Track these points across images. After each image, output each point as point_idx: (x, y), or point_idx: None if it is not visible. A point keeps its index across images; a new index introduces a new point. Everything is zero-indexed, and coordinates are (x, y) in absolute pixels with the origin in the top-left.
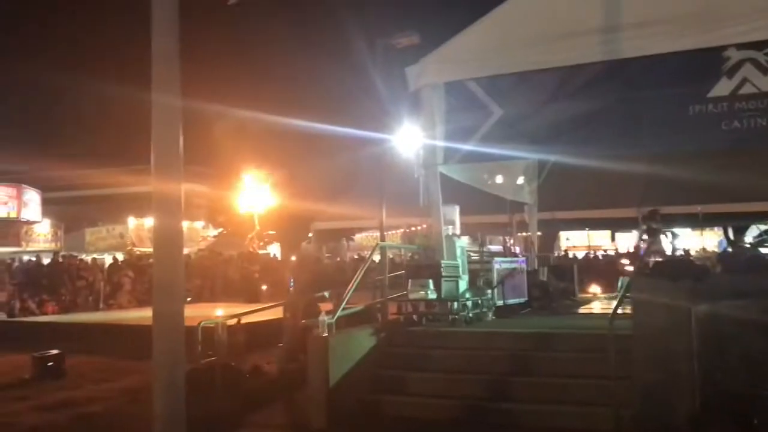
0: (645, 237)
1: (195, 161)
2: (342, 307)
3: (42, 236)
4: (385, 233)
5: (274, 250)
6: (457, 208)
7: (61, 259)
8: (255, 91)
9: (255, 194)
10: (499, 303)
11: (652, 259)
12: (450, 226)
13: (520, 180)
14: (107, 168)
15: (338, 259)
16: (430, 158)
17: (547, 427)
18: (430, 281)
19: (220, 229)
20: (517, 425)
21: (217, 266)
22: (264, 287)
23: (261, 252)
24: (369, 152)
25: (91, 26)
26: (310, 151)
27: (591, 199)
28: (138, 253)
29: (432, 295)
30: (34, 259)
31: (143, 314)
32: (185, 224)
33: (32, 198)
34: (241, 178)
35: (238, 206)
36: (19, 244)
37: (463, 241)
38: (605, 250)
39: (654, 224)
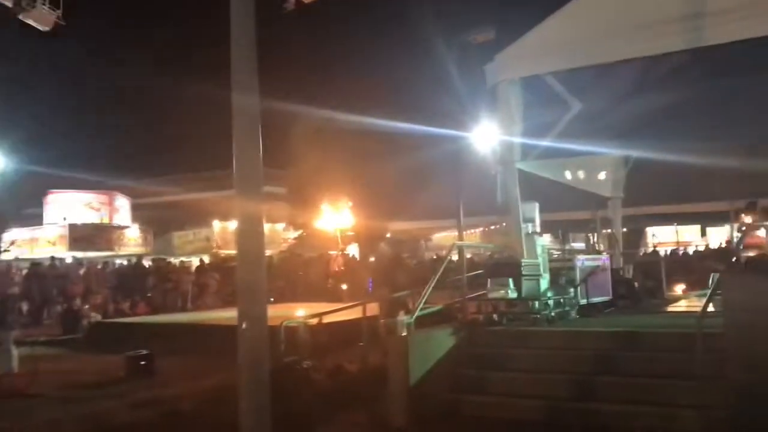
0: (741, 231)
1: (275, 164)
2: (420, 306)
3: (133, 240)
4: (464, 233)
5: (353, 250)
6: (536, 205)
7: (147, 263)
8: (333, 91)
9: (334, 219)
10: (583, 302)
11: (746, 254)
12: (529, 224)
13: (603, 175)
14: (194, 174)
15: (415, 261)
16: (508, 155)
17: (632, 428)
18: (510, 280)
19: (300, 231)
20: (601, 426)
21: (298, 267)
22: (344, 287)
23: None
24: (446, 150)
25: (174, 32)
26: (388, 150)
27: (679, 193)
28: (223, 255)
29: (512, 294)
30: (125, 263)
31: (228, 315)
32: (266, 226)
33: (123, 204)
34: (319, 207)
35: (318, 225)
36: (111, 249)
37: (544, 239)
38: (696, 246)
39: (751, 217)
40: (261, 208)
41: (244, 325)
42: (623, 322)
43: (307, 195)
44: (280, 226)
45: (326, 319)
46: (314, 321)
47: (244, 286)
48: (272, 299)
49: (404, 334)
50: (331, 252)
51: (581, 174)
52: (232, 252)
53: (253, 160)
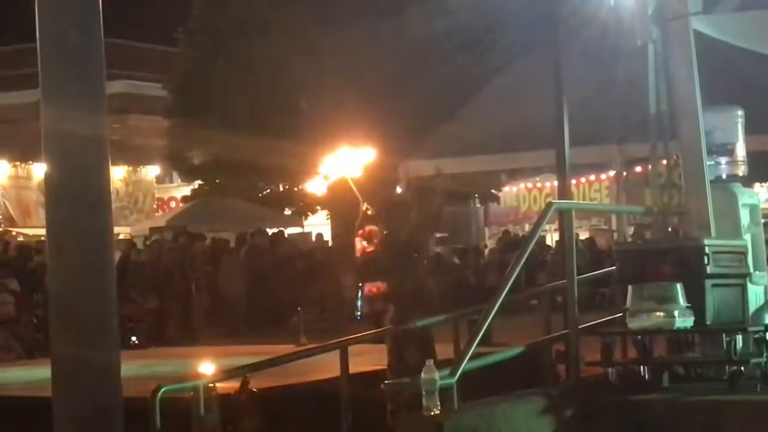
0: None
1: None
2: (471, 349)
3: None
4: (570, 182)
5: (318, 224)
6: (738, 117)
7: None
8: None
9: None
10: None
11: None
12: (722, 158)
13: None
14: None
15: (460, 245)
16: (676, 3)
17: None
18: (679, 287)
19: (200, 182)
20: None
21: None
22: (299, 309)
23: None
24: (528, 4)
25: None
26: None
27: None
28: (20, 240)
29: (684, 322)
30: None
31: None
32: (119, 172)
33: None
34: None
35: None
36: None
37: (756, 193)
38: None
39: None
40: (104, 127)
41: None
42: None
43: (221, 92)
44: (153, 171)
45: (265, 381)
46: (231, 386)
47: (62, 307)
48: (134, 338)
49: (436, 412)
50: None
51: None
52: (39, 232)
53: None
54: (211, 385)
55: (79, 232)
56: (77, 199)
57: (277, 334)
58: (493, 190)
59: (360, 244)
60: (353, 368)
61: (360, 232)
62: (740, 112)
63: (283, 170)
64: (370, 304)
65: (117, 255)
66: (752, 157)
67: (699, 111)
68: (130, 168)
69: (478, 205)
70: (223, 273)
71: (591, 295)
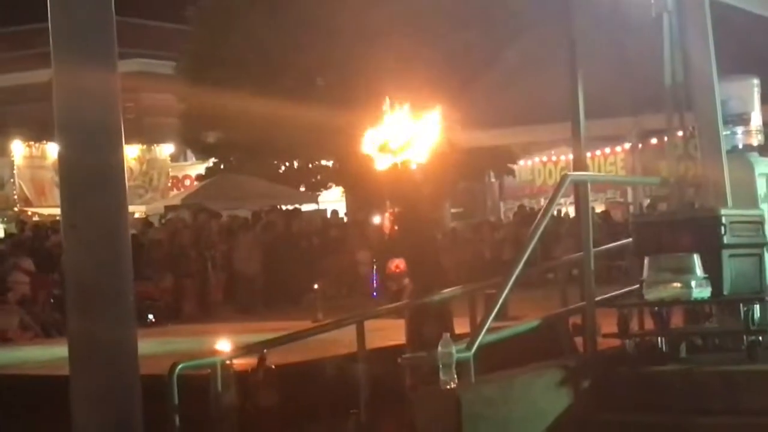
0: None
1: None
2: (488, 323)
3: None
4: (586, 154)
5: (333, 200)
6: (754, 85)
7: None
8: None
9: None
10: None
11: None
12: (739, 128)
13: None
14: None
15: (474, 222)
16: None
17: None
18: (696, 258)
19: (214, 160)
20: None
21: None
22: (316, 286)
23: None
24: None
25: None
26: None
27: None
28: (36, 220)
29: (701, 293)
30: None
31: (52, 353)
32: (134, 151)
33: None
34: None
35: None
36: None
37: None
38: None
39: None
40: (117, 106)
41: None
42: None
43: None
44: (167, 149)
45: (282, 357)
46: (247, 363)
47: (78, 286)
48: (151, 317)
49: (453, 385)
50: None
51: None
52: (54, 212)
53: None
54: (228, 362)
55: (94, 211)
56: (91, 177)
57: (293, 311)
58: (508, 164)
59: (389, 222)
60: (371, 344)
61: (390, 211)
62: (756, 81)
63: (298, 147)
64: (397, 280)
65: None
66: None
67: (715, 82)
68: (144, 147)
69: (493, 180)
70: (239, 251)
71: (607, 268)
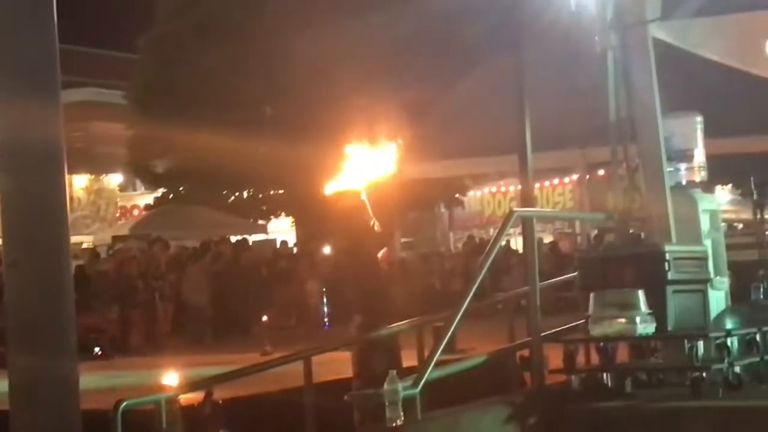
0: None
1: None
2: (435, 358)
3: None
4: (534, 186)
5: (279, 229)
6: (697, 123)
7: None
8: None
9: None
10: None
11: None
12: (682, 164)
13: None
14: None
15: (426, 251)
16: (634, 9)
17: None
18: (640, 294)
19: (163, 189)
20: None
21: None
22: (265, 318)
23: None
24: (490, 9)
25: None
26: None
27: None
28: None
29: (646, 328)
30: None
31: None
32: (81, 181)
33: None
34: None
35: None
36: None
37: (715, 199)
38: None
39: None
40: (60, 138)
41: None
42: None
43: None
44: (116, 179)
45: (229, 391)
46: (195, 397)
47: (19, 320)
48: (97, 349)
49: (399, 423)
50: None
51: None
52: None
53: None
54: (174, 397)
55: (35, 244)
56: (33, 210)
57: (242, 342)
58: (457, 195)
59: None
60: (321, 377)
61: (337, 242)
62: (699, 118)
63: (248, 177)
64: None
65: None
66: (711, 160)
67: (658, 117)
68: (93, 176)
69: (443, 210)
70: (188, 281)
71: (555, 299)
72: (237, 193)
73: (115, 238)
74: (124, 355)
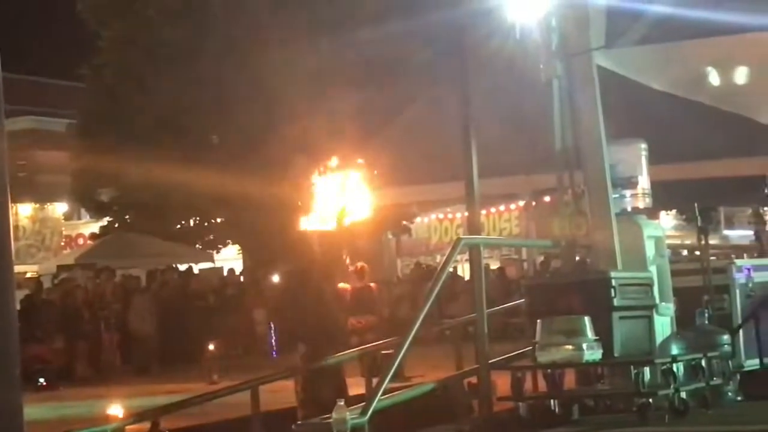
0: None
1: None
2: (383, 386)
3: None
4: (480, 213)
5: (226, 258)
6: (642, 150)
7: None
8: None
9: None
10: (750, 365)
11: None
12: (627, 191)
13: None
14: None
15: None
16: (579, 38)
17: None
18: (587, 320)
19: (109, 218)
20: None
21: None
22: (212, 346)
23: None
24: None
25: None
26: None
27: None
28: None
29: (592, 355)
30: None
31: None
32: (26, 210)
33: None
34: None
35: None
36: None
37: (661, 224)
38: None
39: None
40: (3, 167)
41: None
42: None
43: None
44: (60, 208)
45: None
46: (141, 427)
47: None
48: (42, 380)
49: None
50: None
51: (741, 74)
52: None
53: None
54: (120, 428)
55: None
56: None
57: (189, 371)
58: (404, 222)
59: (352, 281)
60: (269, 406)
61: (351, 269)
62: (644, 146)
63: (194, 205)
64: (360, 334)
65: (23, 294)
66: (655, 187)
67: (603, 145)
68: (37, 205)
69: (390, 237)
70: (134, 310)
71: (503, 324)
72: (183, 222)
73: (61, 268)
74: (69, 386)
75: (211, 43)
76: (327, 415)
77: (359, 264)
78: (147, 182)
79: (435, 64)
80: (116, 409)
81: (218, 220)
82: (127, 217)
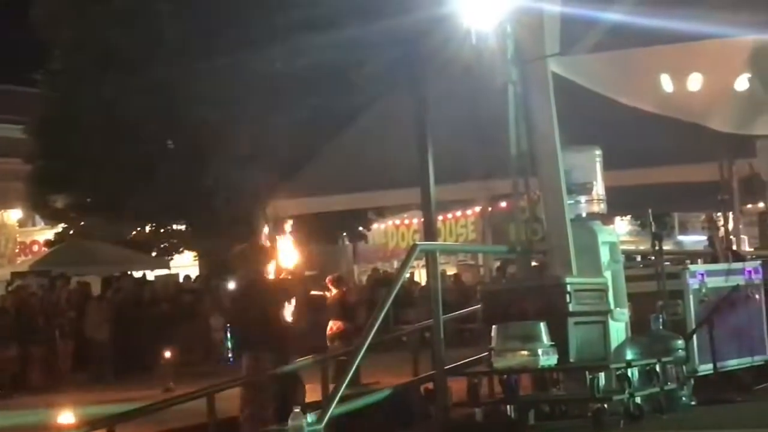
0: None
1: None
2: (339, 393)
3: None
4: (437, 219)
5: (182, 264)
6: (596, 157)
7: None
8: None
9: None
10: (704, 370)
11: None
12: (582, 197)
13: (742, 81)
14: None
15: (331, 284)
16: (533, 45)
17: None
18: (542, 326)
19: (64, 225)
20: None
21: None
22: (168, 353)
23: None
24: (392, 42)
25: None
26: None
27: None
28: None
29: (548, 360)
30: None
31: None
32: None
33: None
34: None
35: None
36: None
37: (615, 231)
38: None
39: None
40: None
41: None
42: None
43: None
44: (15, 215)
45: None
46: None
47: None
48: None
49: None
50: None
51: (694, 81)
52: None
53: None
54: None
55: None
56: None
57: (144, 378)
58: (361, 228)
59: (330, 288)
60: (225, 413)
61: (329, 278)
62: (598, 152)
63: (149, 212)
64: (335, 340)
65: None
66: (610, 192)
67: (558, 151)
68: None
69: (347, 243)
70: (89, 318)
71: (460, 330)
72: (138, 229)
73: (15, 275)
74: (23, 394)
75: (163, 49)
76: (284, 424)
77: (336, 273)
78: (103, 188)
79: (391, 70)
80: (71, 418)
81: (174, 227)
82: (82, 223)
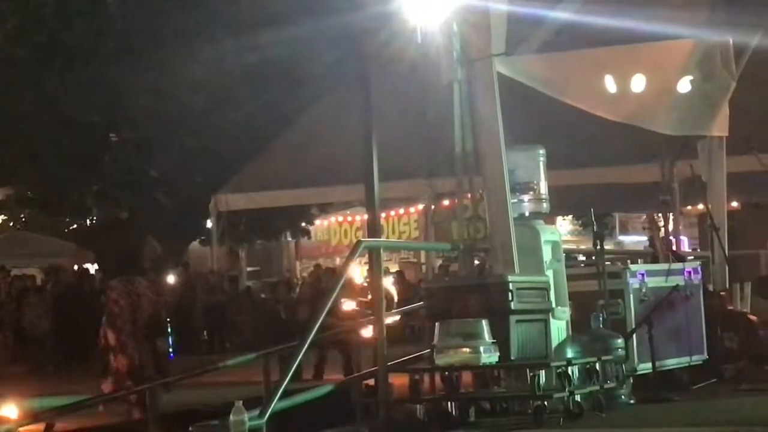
0: None
1: None
2: (282, 388)
3: None
4: (380, 215)
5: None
6: (540, 156)
7: None
8: None
9: None
10: (643, 369)
11: None
12: (525, 196)
13: (684, 83)
14: None
15: (275, 281)
16: (479, 44)
17: None
18: (484, 324)
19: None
20: None
21: None
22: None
23: None
24: (335, 38)
25: None
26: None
27: None
28: None
29: (489, 358)
30: None
31: None
32: None
33: None
34: None
35: None
36: None
37: (558, 229)
38: None
39: None
40: None
41: None
42: (737, 417)
43: None
44: None
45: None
46: (35, 429)
47: None
48: None
49: None
50: None
51: (638, 82)
52: None
53: None
54: (13, 429)
55: None
56: None
57: (85, 372)
58: (304, 224)
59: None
60: (166, 407)
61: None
62: (542, 151)
63: (90, 204)
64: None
65: None
66: (552, 192)
67: (503, 150)
68: None
69: (290, 239)
70: (28, 310)
71: (402, 327)
72: (80, 221)
73: None
74: None
75: (108, 44)
76: (224, 418)
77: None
78: (43, 180)
79: (337, 66)
80: (9, 410)
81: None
82: (22, 215)
